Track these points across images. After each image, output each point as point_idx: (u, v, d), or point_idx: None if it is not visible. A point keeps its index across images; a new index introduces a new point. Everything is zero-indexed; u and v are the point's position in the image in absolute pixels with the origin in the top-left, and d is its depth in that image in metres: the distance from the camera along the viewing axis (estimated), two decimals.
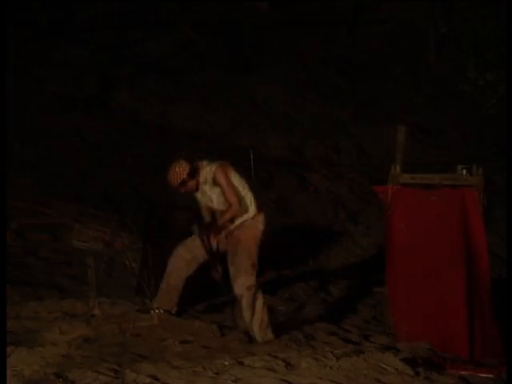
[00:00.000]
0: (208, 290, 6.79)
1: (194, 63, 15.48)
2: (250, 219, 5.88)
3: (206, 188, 5.97)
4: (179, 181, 5.87)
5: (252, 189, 6.04)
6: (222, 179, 5.85)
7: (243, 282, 5.81)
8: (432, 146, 12.97)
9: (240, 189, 5.92)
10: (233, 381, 4.52)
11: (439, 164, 11.74)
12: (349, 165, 12.97)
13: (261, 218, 5.92)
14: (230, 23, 16.07)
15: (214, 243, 6.04)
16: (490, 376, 4.89)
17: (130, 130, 14.21)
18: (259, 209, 5.94)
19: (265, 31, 16.31)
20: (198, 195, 6.06)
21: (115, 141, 13.76)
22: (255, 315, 5.74)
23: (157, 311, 5.90)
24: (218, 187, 5.88)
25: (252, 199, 5.95)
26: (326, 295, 7.34)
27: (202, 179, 5.94)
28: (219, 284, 6.20)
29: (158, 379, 4.56)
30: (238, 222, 5.90)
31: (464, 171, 5.74)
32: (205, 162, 6.00)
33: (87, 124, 13.96)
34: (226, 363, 4.84)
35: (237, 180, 5.94)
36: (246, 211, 5.90)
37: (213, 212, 6.06)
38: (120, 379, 4.57)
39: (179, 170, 5.87)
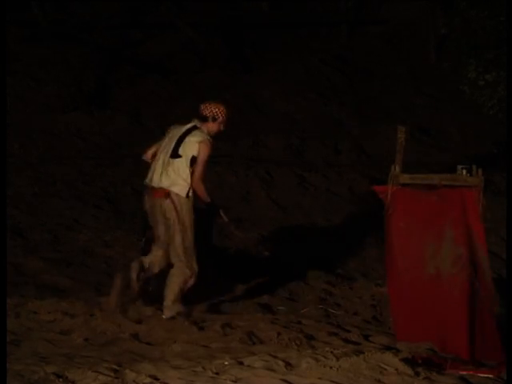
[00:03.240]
0: (208, 290, 6.81)
1: (194, 63, 15.50)
2: None
3: None
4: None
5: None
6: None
7: None
8: (432, 146, 12.98)
9: None
10: (233, 381, 4.52)
11: (439, 164, 11.74)
12: (349, 165, 12.97)
13: None
14: (230, 23, 16.07)
15: None
16: (490, 376, 4.90)
17: (130, 129, 14.23)
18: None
19: (265, 31, 16.32)
20: None
21: (115, 141, 13.78)
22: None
23: None
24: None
25: None
26: (326, 295, 7.33)
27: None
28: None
29: (157, 379, 4.57)
30: None
31: (464, 171, 5.74)
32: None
33: (87, 124, 13.98)
34: (226, 363, 4.85)
35: None
36: None
37: None
38: (120, 379, 4.58)
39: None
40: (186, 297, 6.22)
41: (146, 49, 15.34)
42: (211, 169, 11.92)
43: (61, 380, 4.56)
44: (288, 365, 4.78)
